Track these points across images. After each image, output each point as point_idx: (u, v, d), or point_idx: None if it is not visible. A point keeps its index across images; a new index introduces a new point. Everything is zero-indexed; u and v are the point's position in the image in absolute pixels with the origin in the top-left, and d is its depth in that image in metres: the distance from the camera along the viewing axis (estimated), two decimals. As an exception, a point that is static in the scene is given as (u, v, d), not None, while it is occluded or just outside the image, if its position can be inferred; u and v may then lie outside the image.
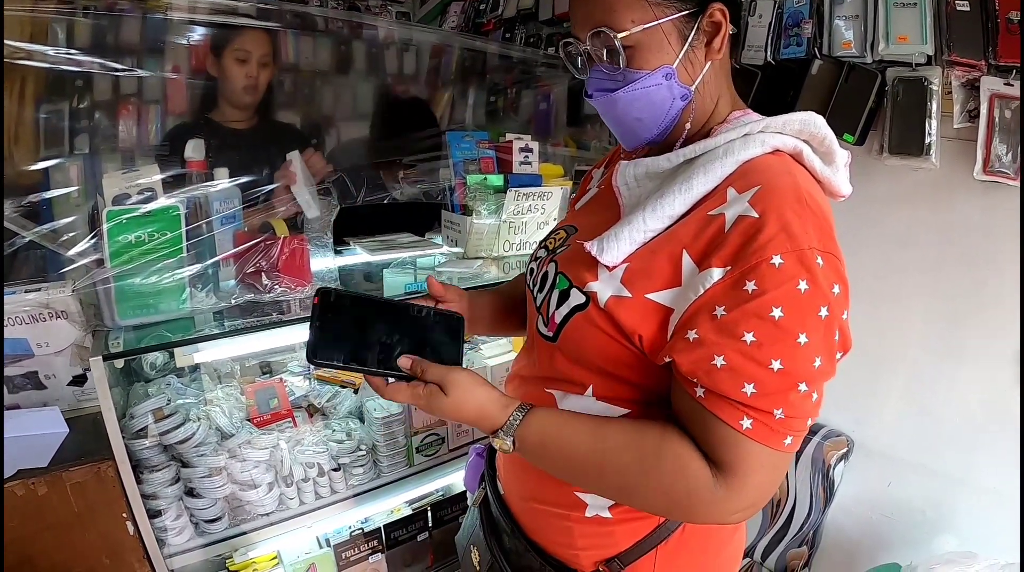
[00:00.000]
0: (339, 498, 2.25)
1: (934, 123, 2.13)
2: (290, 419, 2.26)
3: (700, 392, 0.98)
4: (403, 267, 2.39)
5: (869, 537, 2.47)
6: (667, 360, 1.03)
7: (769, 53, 2.48)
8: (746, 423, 0.95)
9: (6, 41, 1.80)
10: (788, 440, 0.97)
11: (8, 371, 1.80)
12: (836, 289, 0.98)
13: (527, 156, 2.59)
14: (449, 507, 2.53)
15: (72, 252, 1.77)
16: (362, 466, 2.28)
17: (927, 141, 2.14)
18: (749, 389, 0.94)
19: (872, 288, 2.29)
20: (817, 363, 0.96)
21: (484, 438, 2.50)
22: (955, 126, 2.11)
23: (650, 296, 1.04)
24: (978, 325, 2.16)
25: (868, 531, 2.47)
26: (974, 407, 2.19)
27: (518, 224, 2.53)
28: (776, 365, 0.93)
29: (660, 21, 1.06)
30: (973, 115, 2.07)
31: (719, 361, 0.95)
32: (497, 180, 2.52)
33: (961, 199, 2.14)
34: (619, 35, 1.06)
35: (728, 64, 1.19)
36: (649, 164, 1.16)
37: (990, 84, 2.02)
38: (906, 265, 2.30)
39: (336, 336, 1.10)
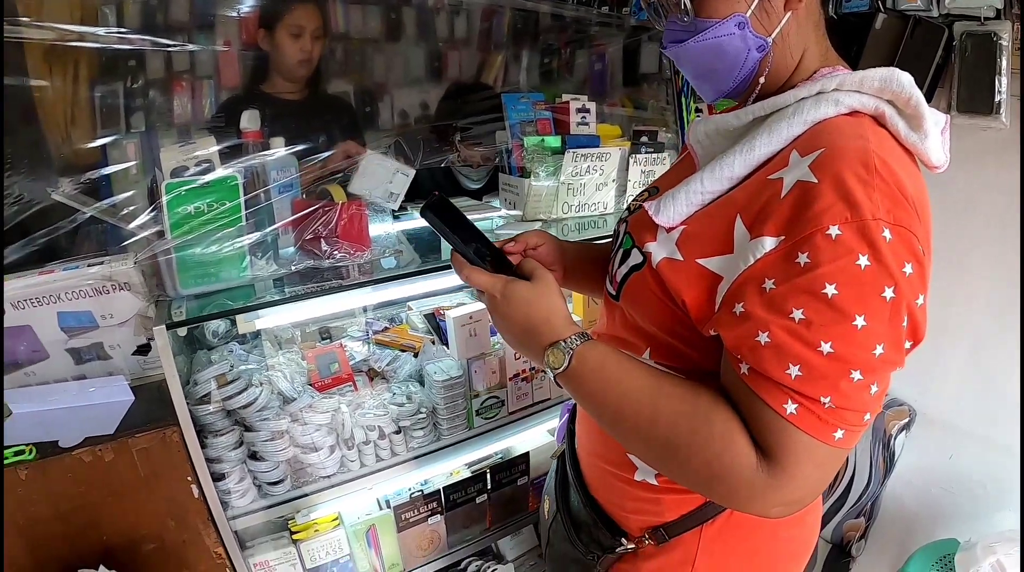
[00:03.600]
0: (399, 460, 2.27)
1: (1004, 80, 2.06)
2: (351, 383, 2.29)
3: (745, 369, 0.93)
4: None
5: (928, 510, 2.45)
6: (713, 333, 1.00)
7: (831, 7, 2.40)
8: (790, 408, 0.88)
9: (57, 25, 1.83)
10: (839, 434, 0.89)
11: (74, 343, 1.83)
12: (908, 268, 0.88)
13: (584, 117, 2.57)
14: (508, 470, 2.55)
15: (133, 225, 1.80)
16: (422, 429, 2.29)
17: (996, 99, 2.07)
18: (794, 371, 0.87)
19: (936, 252, 2.22)
20: (878, 351, 0.87)
21: (557, 405, 2.53)
22: None
23: (701, 261, 1.00)
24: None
25: (927, 504, 2.45)
26: (1043, 379, 2.14)
27: (576, 186, 2.52)
28: (826, 348, 0.86)
29: None
30: (1021, 74, 2.01)
31: (763, 338, 0.89)
32: (554, 141, 2.50)
33: (1030, 160, 2.07)
34: None
35: (816, 15, 1.11)
36: (718, 121, 1.13)
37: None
38: (972, 229, 2.24)
39: (445, 214, 1.17)
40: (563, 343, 1.07)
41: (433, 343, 2.51)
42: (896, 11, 2.25)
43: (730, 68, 1.10)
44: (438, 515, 2.39)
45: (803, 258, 0.88)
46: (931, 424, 2.43)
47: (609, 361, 1.06)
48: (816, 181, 0.89)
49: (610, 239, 1.52)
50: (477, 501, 2.48)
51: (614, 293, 1.20)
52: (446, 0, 2.88)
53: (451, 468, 2.56)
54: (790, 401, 0.88)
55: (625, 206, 1.36)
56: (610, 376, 1.04)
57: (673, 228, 1.06)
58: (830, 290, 0.86)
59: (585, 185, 2.54)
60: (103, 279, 1.79)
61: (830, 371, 0.87)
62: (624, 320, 1.20)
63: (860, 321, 0.86)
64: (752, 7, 1.04)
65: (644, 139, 2.65)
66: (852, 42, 2.37)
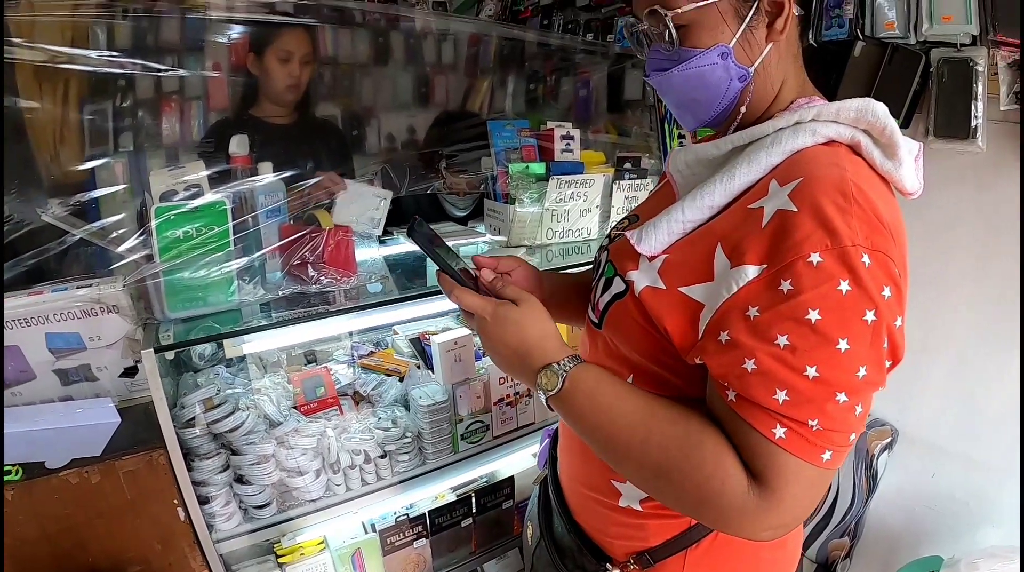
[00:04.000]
0: (385, 484, 2.27)
1: (980, 105, 2.06)
2: (336, 407, 2.30)
3: (732, 396, 0.94)
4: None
5: (912, 528, 2.45)
6: (699, 361, 1.00)
7: (811, 35, 2.44)
8: (779, 432, 0.89)
9: (48, 47, 1.85)
10: (827, 455, 0.90)
11: (61, 364, 1.84)
12: (886, 292, 0.90)
13: (568, 144, 2.60)
14: (493, 493, 2.55)
15: (122, 248, 1.81)
16: (407, 453, 2.30)
17: (973, 124, 2.08)
18: (781, 396, 0.89)
19: (916, 272, 2.21)
20: (861, 373, 0.89)
21: (541, 428, 2.53)
22: (1002, 108, 2.05)
23: (683, 289, 1.01)
24: (1027, 310, 2.11)
25: (911, 522, 2.45)
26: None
27: (561, 212, 2.55)
28: (811, 372, 0.88)
29: (714, 0, 1.04)
30: (1020, 97, 2.02)
31: (750, 365, 0.91)
32: (539, 168, 2.53)
33: (1008, 182, 2.08)
34: (671, 13, 1.05)
35: (796, 47, 1.15)
36: (698, 150, 1.15)
37: (1036, 65, 1.95)
38: (952, 249, 2.25)
39: (429, 236, 1.18)
40: (557, 365, 1.08)
41: (418, 368, 2.52)
42: (874, 39, 2.27)
43: (712, 98, 1.12)
44: (423, 539, 2.39)
45: (786, 285, 0.89)
46: (913, 443, 2.44)
47: (602, 384, 1.06)
48: (796, 210, 0.91)
49: (587, 267, 1.55)
50: (462, 525, 2.48)
51: (596, 321, 1.21)
52: (434, 27, 2.92)
53: (436, 492, 2.56)
54: (778, 425, 0.90)
55: (606, 234, 1.38)
56: (603, 398, 1.05)
57: (655, 257, 1.07)
58: (813, 316, 0.88)
59: (569, 211, 2.57)
60: (92, 301, 1.79)
61: (816, 395, 0.89)
62: (607, 348, 1.21)
63: (843, 345, 0.88)
64: (736, 38, 1.06)
65: (627, 165, 2.69)
66: (831, 69, 2.40)
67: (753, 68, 1.09)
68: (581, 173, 2.56)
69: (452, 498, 2.52)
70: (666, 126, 3.12)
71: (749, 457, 0.93)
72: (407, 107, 3.01)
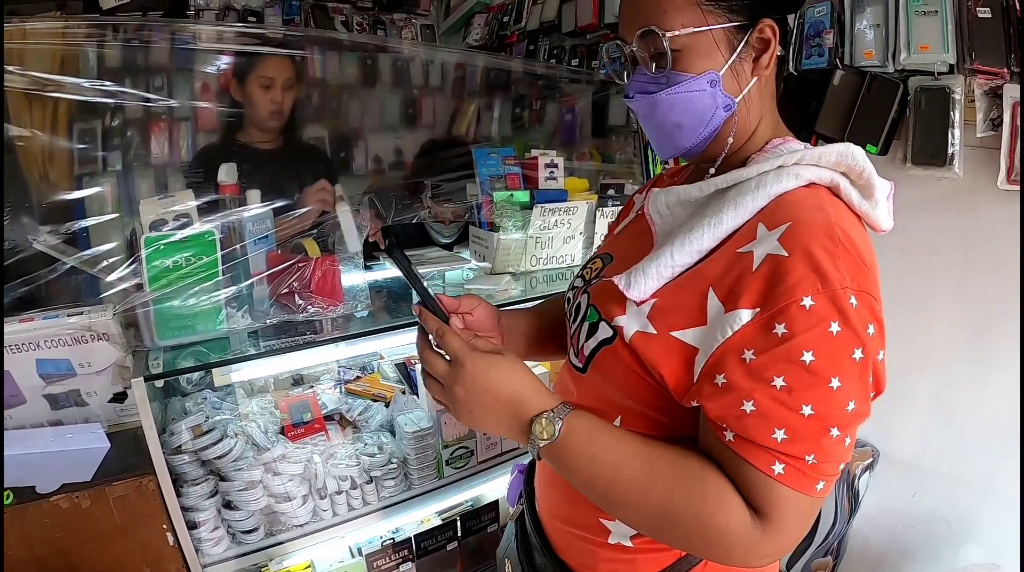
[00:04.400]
0: (371, 509, 2.29)
1: (957, 132, 2.10)
2: (323, 432, 2.32)
3: (730, 436, 0.96)
4: (431, 282, 2.43)
5: (894, 548, 2.46)
6: (695, 404, 1.01)
7: (791, 64, 2.48)
8: (778, 468, 0.92)
9: (37, 74, 1.88)
10: (820, 485, 0.94)
11: (51, 389, 1.86)
12: (871, 329, 0.94)
13: (552, 172, 2.63)
14: (478, 517, 2.56)
15: (112, 277, 1.84)
16: (393, 479, 2.32)
17: (950, 150, 2.11)
18: (780, 435, 0.91)
19: (896, 295, 2.22)
20: (850, 407, 0.92)
21: (524, 454, 2.53)
22: (978, 135, 2.09)
23: (675, 334, 1.02)
24: (1005, 332, 2.14)
25: (893, 541, 2.46)
26: (1001, 415, 2.17)
27: (545, 239, 2.58)
28: (807, 410, 0.90)
29: (710, 27, 1.06)
30: (996, 123, 2.04)
31: (748, 406, 0.93)
32: (523, 196, 2.56)
33: (985, 208, 2.12)
34: (668, 34, 1.05)
35: (773, 86, 1.17)
36: (680, 193, 1.14)
37: (1013, 92, 1.98)
38: (931, 272, 2.28)
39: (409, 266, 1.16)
40: (551, 412, 1.05)
41: (404, 393, 2.54)
42: (853, 68, 2.31)
43: (696, 124, 1.13)
44: (410, 562, 2.40)
45: (780, 328, 0.91)
46: (894, 463, 2.45)
47: (599, 428, 1.06)
48: (786, 254, 0.93)
49: (543, 301, 1.58)
50: (448, 548, 2.49)
51: (581, 366, 1.20)
52: (421, 52, 2.96)
53: (422, 516, 2.56)
54: (777, 462, 0.92)
55: (577, 274, 1.38)
56: (602, 444, 1.04)
57: (644, 302, 1.07)
58: (807, 357, 0.90)
59: (553, 238, 2.60)
60: (82, 329, 1.81)
61: (812, 431, 0.91)
62: (592, 392, 1.20)
63: (835, 382, 0.91)
64: (726, 66, 1.08)
65: (611, 192, 2.72)
66: (811, 98, 2.43)
67: (739, 99, 1.11)
68: (565, 201, 2.59)
69: (437, 522, 2.53)
70: (649, 152, 3.15)
71: (748, 492, 0.96)
72: (394, 129, 3.04)
